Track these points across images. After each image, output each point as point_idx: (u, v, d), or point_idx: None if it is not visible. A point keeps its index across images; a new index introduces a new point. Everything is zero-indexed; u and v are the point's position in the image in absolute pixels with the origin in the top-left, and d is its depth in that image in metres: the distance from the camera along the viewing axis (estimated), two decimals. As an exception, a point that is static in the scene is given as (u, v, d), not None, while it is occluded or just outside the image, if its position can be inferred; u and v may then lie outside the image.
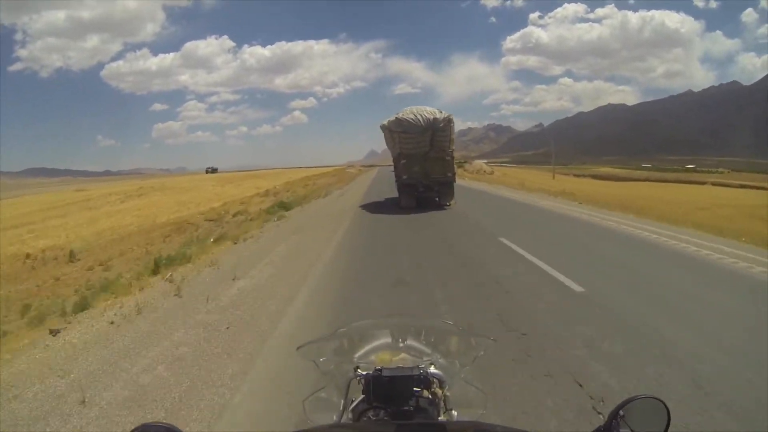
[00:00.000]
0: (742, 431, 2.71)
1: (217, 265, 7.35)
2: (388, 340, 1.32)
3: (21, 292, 9.03)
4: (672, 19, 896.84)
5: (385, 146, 18.87)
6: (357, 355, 1.26)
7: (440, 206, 15.80)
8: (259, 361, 3.87)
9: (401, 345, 1.28)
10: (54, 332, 4.55)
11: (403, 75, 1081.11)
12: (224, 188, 38.46)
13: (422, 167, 15.69)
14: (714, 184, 67.28)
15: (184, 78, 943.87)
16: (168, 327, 4.74)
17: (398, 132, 15.70)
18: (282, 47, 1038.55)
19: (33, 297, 7.84)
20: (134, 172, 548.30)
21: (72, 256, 13.08)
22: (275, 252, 8.37)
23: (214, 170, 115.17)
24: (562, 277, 6.17)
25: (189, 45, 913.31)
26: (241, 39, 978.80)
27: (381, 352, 1.25)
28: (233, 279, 6.46)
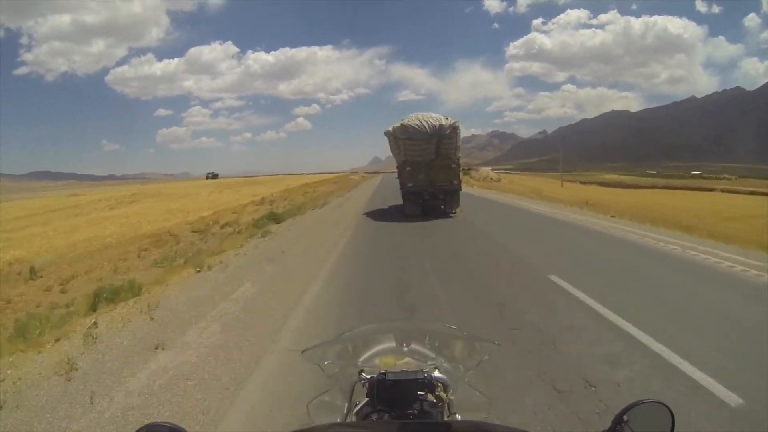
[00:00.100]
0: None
1: (154, 310, 5.28)
2: (393, 344, 1.33)
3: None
4: (675, 25, 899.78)
5: (388, 153, 18.32)
6: (361, 358, 1.26)
7: (457, 226, 13.67)
8: None
9: (405, 349, 1.29)
10: None
11: (406, 81, 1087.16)
12: (220, 195, 37.06)
13: (428, 175, 15.23)
14: (723, 191, 66.19)
15: (189, 83, 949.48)
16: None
17: (403, 139, 15.27)
18: (286, 53, 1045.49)
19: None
20: (138, 177, 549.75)
21: (33, 273, 11.61)
22: (237, 294, 5.99)
23: (214, 176, 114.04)
24: (687, 366, 3.55)
25: (193, 50, 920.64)
26: (245, 45, 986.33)
27: (385, 356, 1.26)
28: (156, 348, 4.22)
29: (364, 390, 1.16)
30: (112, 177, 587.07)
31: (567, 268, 7.00)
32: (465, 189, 32.28)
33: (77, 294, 8.13)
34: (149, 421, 0.97)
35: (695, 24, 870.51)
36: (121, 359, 4.02)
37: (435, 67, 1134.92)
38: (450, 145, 15.35)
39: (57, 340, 4.43)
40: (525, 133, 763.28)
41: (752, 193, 57.30)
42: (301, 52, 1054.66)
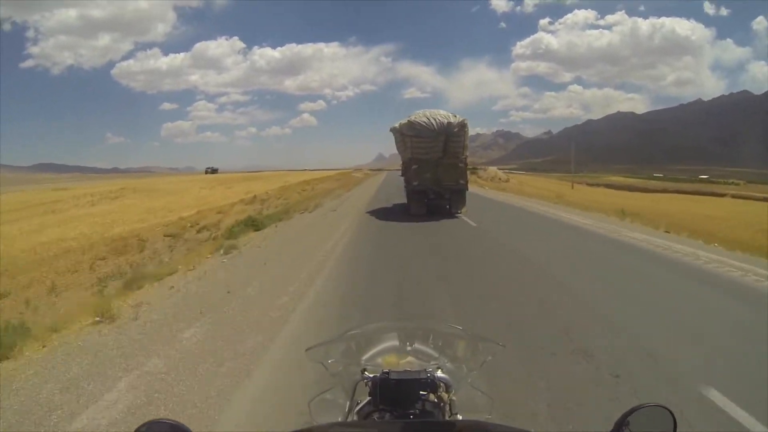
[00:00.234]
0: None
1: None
2: (396, 343, 1.33)
3: None
4: (682, 27, 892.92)
5: (393, 151, 18.13)
6: (364, 357, 1.26)
7: (482, 241, 10.80)
8: None
9: (409, 348, 1.29)
10: None
11: (412, 79, 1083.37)
12: (212, 191, 35.02)
13: (434, 173, 14.80)
14: (734, 196, 63.94)
15: (194, 78, 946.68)
16: None
17: (410, 136, 14.92)
18: (292, 49, 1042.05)
19: None
20: (142, 170, 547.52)
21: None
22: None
23: (214, 171, 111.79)
24: None
25: (199, 45, 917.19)
26: (252, 40, 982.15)
27: (388, 355, 1.25)
28: None
29: (367, 389, 1.15)
30: (116, 170, 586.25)
31: (728, 369, 3.71)
32: (476, 190, 29.72)
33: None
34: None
35: (703, 26, 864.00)
36: None
37: (441, 65, 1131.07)
38: (458, 143, 14.95)
39: None
40: (530, 132, 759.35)
41: (766, 199, 55.12)
42: (308, 49, 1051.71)
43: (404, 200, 17.04)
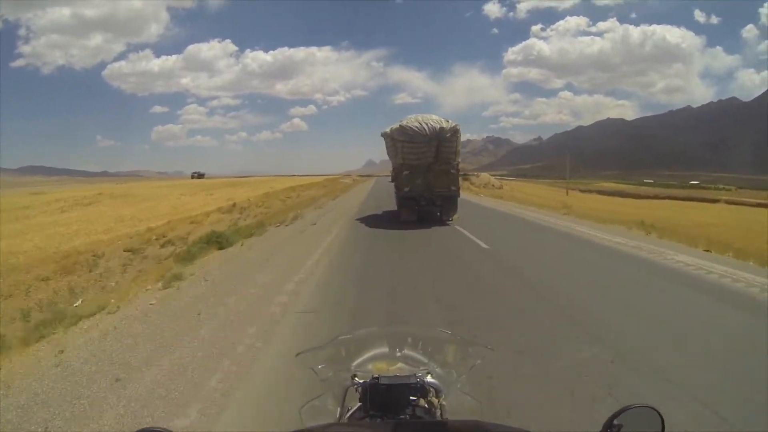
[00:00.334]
0: None
1: None
2: (386, 349, 1.33)
3: None
4: (673, 34, 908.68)
5: (383, 156, 17.86)
6: (354, 363, 1.25)
7: (502, 272, 8.35)
8: None
9: (398, 354, 1.29)
10: None
11: (403, 84, 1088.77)
12: (192, 198, 33.34)
13: (425, 179, 14.53)
14: (728, 202, 63.61)
15: (186, 81, 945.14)
16: None
17: (402, 141, 14.53)
18: (284, 53, 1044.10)
19: None
20: (132, 174, 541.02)
21: None
22: None
23: (200, 175, 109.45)
24: None
25: (192, 48, 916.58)
26: (244, 43, 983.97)
27: (378, 361, 1.25)
28: None
29: (357, 395, 1.16)
30: (105, 173, 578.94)
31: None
32: (472, 198, 28.34)
33: None
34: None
35: (693, 34, 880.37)
36: None
37: (432, 71, 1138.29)
38: (450, 149, 14.65)
39: None
40: (520, 139, 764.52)
41: (759, 205, 54.79)
42: (300, 53, 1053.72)
43: (394, 208, 16.46)
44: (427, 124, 14.23)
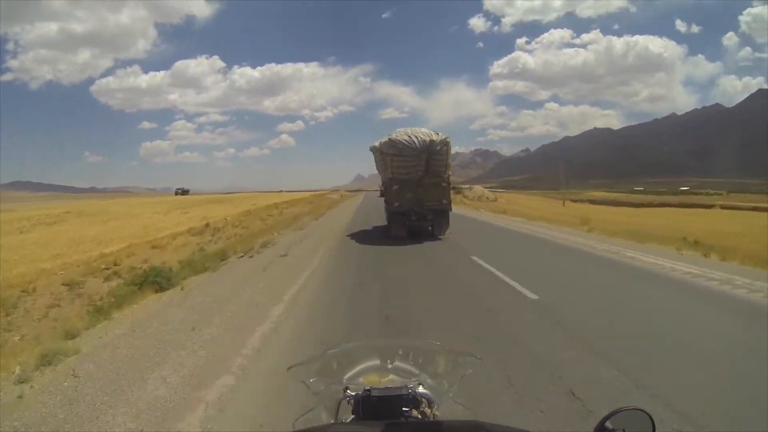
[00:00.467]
0: None
1: None
2: (377, 361, 1.31)
3: None
4: (655, 44, 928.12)
5: (372, 171, 17.82)
6: (346, 376, 1.24)
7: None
8: None
9: (389, 366, 1.27)
10: None
11: (390, 99, 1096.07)
12: (166, 216, 31.13)
13: (416, 194, 14.17)
14: (723, 207, 62.73)
15: (174, 97, 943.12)
16: None
17: (391, 154, 14.21)
18: (272, 69, 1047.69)
19: None
20: (120, 190, 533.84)
21: None
22: None
23: (184, 192, 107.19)
24: None
25: (179, 64, 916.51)
26: (231, 59, 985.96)
27: (370, 373, 1.24)
28: None
29: (350, 407, 1.14)
30: (93, 189, 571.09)
31: None
32: (470, 213, 26.09)
33: None
34: None
35: (675, 43, 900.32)
36: None
37: (419, 86, 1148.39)
38: (440, 162, 14.33)
39: None
40: (508, 151, 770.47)
41: (755, 209, 53.77)
42: (287, 68, 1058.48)
43: (384, 226, 15.91)
44: (416, 137, 13.92)
